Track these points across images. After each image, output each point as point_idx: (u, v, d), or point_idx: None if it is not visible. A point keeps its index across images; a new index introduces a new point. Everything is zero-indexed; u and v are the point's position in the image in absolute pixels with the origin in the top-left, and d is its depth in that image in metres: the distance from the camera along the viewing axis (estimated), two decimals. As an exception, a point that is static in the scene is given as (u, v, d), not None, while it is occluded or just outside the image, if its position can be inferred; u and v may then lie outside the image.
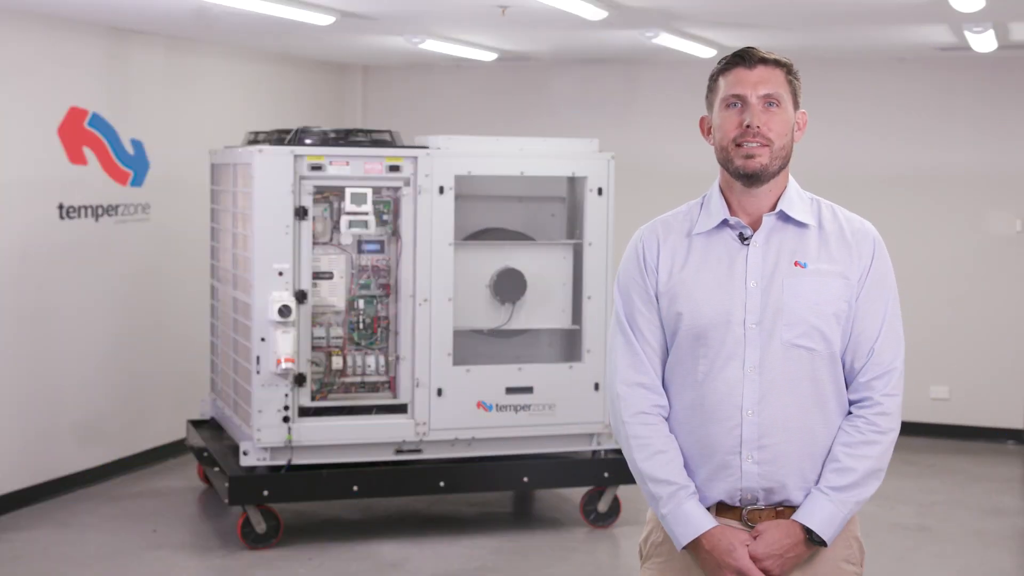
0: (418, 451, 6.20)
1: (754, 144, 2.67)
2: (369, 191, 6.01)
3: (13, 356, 6.64)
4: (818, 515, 2.67)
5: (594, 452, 6.44)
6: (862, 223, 2.79)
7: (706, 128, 2.80)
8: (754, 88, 2.68)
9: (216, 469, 6.31)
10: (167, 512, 6.70)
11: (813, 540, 2.68)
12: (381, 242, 6.18)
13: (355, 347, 6.16)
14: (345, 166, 6.01)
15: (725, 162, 2.73)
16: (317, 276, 6.07)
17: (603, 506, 6.44)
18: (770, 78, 2.69)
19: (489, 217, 6.45)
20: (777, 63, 2.72)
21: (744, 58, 2.71)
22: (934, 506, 7.03)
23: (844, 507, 2.68)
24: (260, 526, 6.02)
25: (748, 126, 2.67)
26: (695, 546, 2.70)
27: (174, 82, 7.82)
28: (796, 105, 2.75)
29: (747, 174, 2.70)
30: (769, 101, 2.69)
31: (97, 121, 7.16)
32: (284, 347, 5.81)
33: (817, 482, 2.70)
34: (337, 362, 6.10)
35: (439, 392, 6.15)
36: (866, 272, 2.73)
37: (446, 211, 6.12)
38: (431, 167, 6.09)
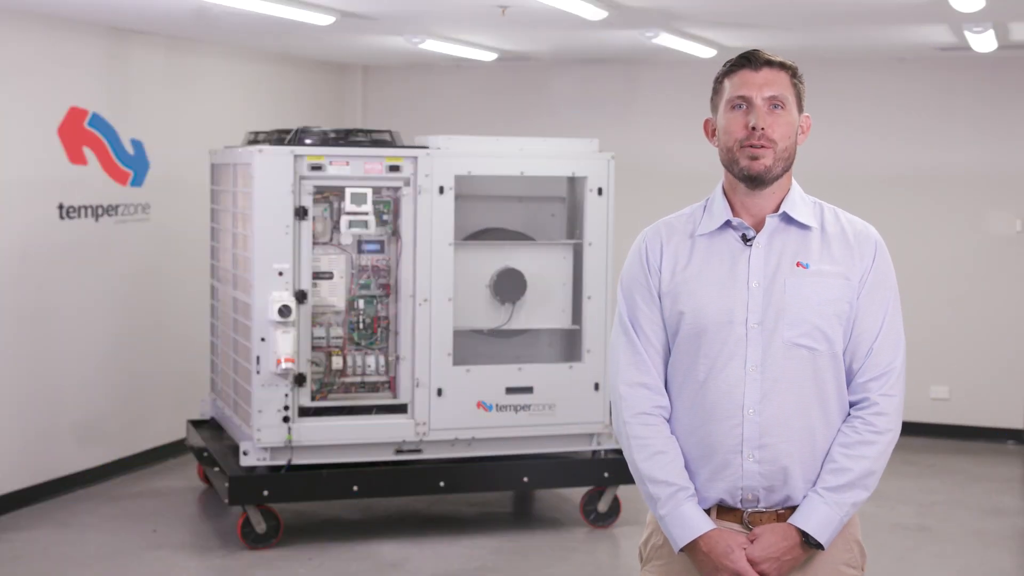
0: (418, 451, 6.20)
1: (759, 145, 2.67)
2: (369, 191, 6.01)
3: (13, 356, 6.64)
4: (814, 518, 2.67)
5: (594, 452, 6.44)
6: (864, 226, 2.80)
7: (710, 131, 2.80)
8: (759, 90, 2.68)
9: (216, 469, 6.31)
10: (167, 512, 6.70)
11: (810, 543, 2.68)
12: (381, 242, 6.18)
13: (355, 347, 6.16)
14: (345, 166, 6.01)
15: (730, 163, 2.74)
16: (317, 276, 6.07)
17: (603, 506, 6.44)
18: (775, 80, 2.70)
19: (489, 217, 6.45)
20: (782, 66, 2.72)
21: (750, 60, 2.71)
22: (934, 506, 7.04)
23: (840, 509, 2.68)
24: (260, 526, 6.02)
25: (753, 128, 2.67)
26: (692, 548, 2.70)
27: (174, 82, 7.82)
28: (800, 108, 2.75)
29: (751, 175, 2.70)
30: (774, 103, 2.69)
31: (97, 121, 7.16)
32: (284, 347, 5.81)
33: (815, 483, 2.70)
34: (337, 362, 6.10)
35: (439, 392, 6.15)
36: (867, 273, 2.74)
37: (446, 211, 6.12)
38: (431, 167, 6.09)
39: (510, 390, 6.26)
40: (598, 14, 6.14)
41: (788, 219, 2.75)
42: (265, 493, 5.93)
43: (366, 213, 5.99)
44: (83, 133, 7.06)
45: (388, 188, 6.12)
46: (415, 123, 8.56)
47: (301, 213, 5.93)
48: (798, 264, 2.72)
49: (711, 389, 2.71)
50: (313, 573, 5.78)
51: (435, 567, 5.86)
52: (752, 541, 2.68)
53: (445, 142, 6.20)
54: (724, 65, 2.77)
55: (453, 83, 9.55)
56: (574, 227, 6.48)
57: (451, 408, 6.17)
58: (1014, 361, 8.44)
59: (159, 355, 7.70)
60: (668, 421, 2.78)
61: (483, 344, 6.39)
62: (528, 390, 6.28)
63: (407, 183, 6.09)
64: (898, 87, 8.61)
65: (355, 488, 6.05)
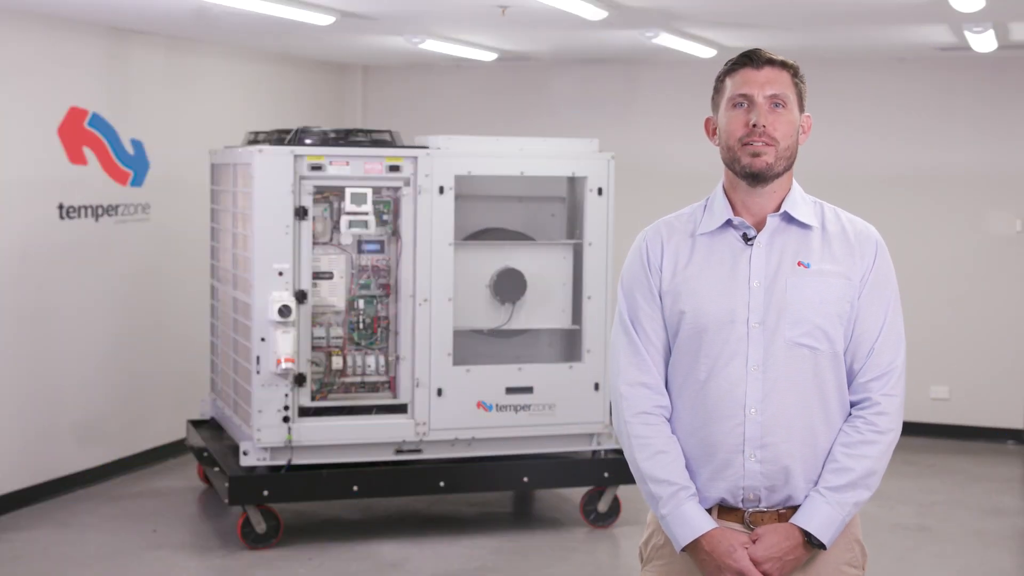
0: (418, 451, 6.20)
1: (760, 143, 2.68)
2: (369, 191, 6.01)
3: (13, 356, 6.64)
4: (816, 518, 2.67)
5: (594, 452, 6.44)
6: (865, 226, 2.81)
7: (711, 129, 2.81)
8: (761, 88, 2.69)
9: (216, 469, 6.31)
10: (167, 512, 6.70)
11: (812, 543, 2.68)
12: (381, 242, 6.18)
13: (355, 347, 6.16)
14: (345, 166, 6.01)
15: (731, 162, 2.74)
16: (317, 276, 6.07)
17: (603, 506, 6.44)
18: (777, 79, 2.70)
19: (489, 217, 6.45)
20: (784, 65, 2.73)
21: (752, 59, 2.72)
22: (934, 506, 7.03)
23: (842, 509, 2.68)
24: (260, 526, 6.02)
25: (755, 125, 2.67)
26: (694, 548, 2.69)
27: (174, 82, 7.82)
28: (801, 108, 2.76)
29: (753, 173, 2.70)
30: (775, 102, 2.69)
31: (97, 121, 7.16)
32: (284, 347, 5.81)
33: (817, 482, 2.70)
34: (337, 362, 6.10)
35: (439, 392, 6.14)
36: (868, 273, 2.74)
37: (446, 211, 6.12)
38: (431, 167, 6.09)
39: (510, 390, 6.26)
40: (598, 14, 6.14)
41: (789, 218, 2.75)
42: (265, 493, 5.93)
43: (366, 213, 5.99)
44: (83, 133, 7.06)
45: (388, 188, 6.12)
46: (415, 123, 8.56)
47: (301, 213, 5.93)
48: (799, 263, 2.72)
49: (712, 389, 2.71)
50: (313, 573, 5.77)
51: (435, 567, 5.86)
52: (754, 541, 2.68)
53: (445, 142, 6.20)
54: (726, 64, 2.77)
55: (453, 83, 9.55)
56: (574, 227, 6.48)
57: (451, 408, 6.17)
58: (1014, 361, 8.44)
59: (159, 355, 7.70)
60: (669, 421, 2.78)
61: (483, 344, 6.39)
62: (528, 390, 6.28)
63: (407, 183, 6.09)
64: (898, 87, 8.61)
65: (355, 488, 6.05)
